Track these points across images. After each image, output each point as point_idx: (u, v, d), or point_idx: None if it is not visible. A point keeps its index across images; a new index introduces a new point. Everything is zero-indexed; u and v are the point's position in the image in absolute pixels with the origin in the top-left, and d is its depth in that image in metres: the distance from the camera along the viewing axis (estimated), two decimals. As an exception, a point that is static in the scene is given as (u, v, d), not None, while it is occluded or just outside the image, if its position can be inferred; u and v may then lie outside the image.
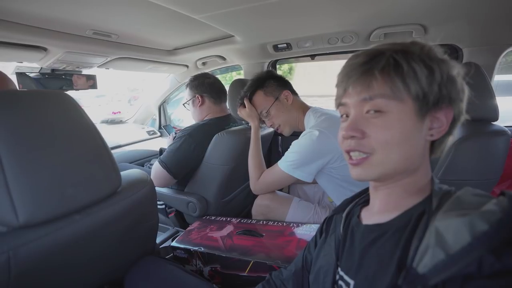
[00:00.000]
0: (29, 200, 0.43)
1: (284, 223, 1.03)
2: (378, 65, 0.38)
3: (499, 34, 1.15)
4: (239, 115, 1.22)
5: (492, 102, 0.93)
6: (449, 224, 0.31)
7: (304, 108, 1.16)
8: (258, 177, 1.11)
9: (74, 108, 0.53)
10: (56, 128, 0.49)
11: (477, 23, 1.08)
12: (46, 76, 1.30)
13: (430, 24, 1.12)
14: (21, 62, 1.16)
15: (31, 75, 1.25)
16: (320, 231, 0.58)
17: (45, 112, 0.48)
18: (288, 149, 1.03)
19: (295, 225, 1.00)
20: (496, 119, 0.95)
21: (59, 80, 1.35)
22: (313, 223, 1.03)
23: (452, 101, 0.39)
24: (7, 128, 0.42)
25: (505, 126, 0.94)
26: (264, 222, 1.05)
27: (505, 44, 1.21)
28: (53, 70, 1.29)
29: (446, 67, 0.38)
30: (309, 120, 1.09)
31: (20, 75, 1.21)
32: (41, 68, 1.25)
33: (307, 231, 0.95)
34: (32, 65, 1.21)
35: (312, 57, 1.74)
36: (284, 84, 1.18)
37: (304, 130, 1.07)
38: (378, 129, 0.39)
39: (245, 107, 1.19)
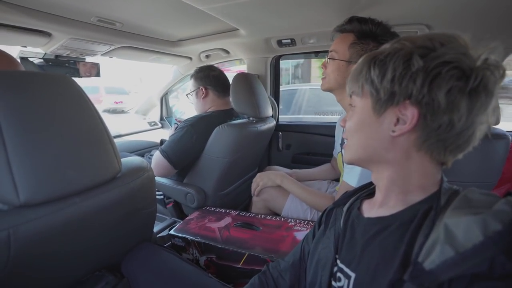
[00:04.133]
0: (31, 179, 0.43)
1: (282, 218, 1.04)
2: (356, 70, 0.45)
3: (504, 38, 1.14)
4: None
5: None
6: (460, 221, 0.31)
7: None
8: (325, 202, 0.97)
9: (78, 93, 0.54)
10: (60, 111, 0.49)
11: (482, 25, 1.07)
12: (50, 63, 1.29)
13: (435, 25, 1.12)
14: (25, 47, 1.16)
15: (35, 61, 1.25)
16: (319, 222, 0.59)
17: (50, 94, 0.49)
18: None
19: (293, 221, 1.01)
20: (497, 123, 0.95)
21: (62, 67, 1.34)
22: (310, 220, 1.04)
23: (414, 98, 0.37)
24: (12, 107, 0.43)
25: (507, 131, 0.94)
26: (263, 216, 1.06)
27: (509, 47, 1.21)
28: (56, 56, 1.29)
29: (403, 62, 0.37)
30: None
31: (23, 60, 1.20)
32: (45, 54, 1.24)
33: (304, 228, 0.96)
34: (36, 50, 1.21)
35: (316, 54, 1.73)
36: None
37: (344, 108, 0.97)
38: (348, 120, 0.48)
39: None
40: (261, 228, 0.96)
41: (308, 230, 0.93)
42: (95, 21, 1.07)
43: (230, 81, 1.31)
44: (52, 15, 0.97)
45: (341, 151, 1.12)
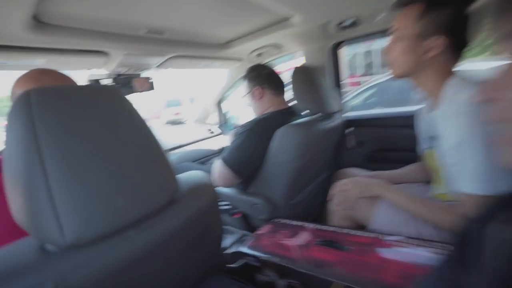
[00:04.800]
0: (77, 214, 0.35)
1: (373, 234, 0.82)
2: None
3: None
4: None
5: None
6: None
7: (448, 74, 0.74)
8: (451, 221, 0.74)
9: (125, 105, 0.45)
10: (106, 127, 0.40)
11: None
12: (116, 83, 1.34)
13: None
14: (90, 69, 1.21)
15: (104, 83, 1.30)
16: (449, 262, 0.37)
17: (94, 109, 0.40)
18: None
19: (391, 238, 0.78)
20: None
21: (127, 86, 1.38)
22: (417, 237, 0.78)
23: None
24: (53, 128, 0.35)
25: None
26: (347, 231, 0.86)
27: None
28: (118, 75, 1.32)
29: None
30: (458, 93, 0.69)
31: (93, 82, 1.26)
32: (110, 74, 1.29)
33: (412, 250, 0.71)
34: (101, 71, 1.26)
35: (384, 33, 1.43)
36: (452, 31, 0.70)
37: (440, 100, 0.74)
38: None
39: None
40: (351, 247, 0.76)
41: (418, 249, 0.70)
42: (144, 33, 1.05)
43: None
44: (106, 33, 0.98)
45: (431, 149, 0.85)
